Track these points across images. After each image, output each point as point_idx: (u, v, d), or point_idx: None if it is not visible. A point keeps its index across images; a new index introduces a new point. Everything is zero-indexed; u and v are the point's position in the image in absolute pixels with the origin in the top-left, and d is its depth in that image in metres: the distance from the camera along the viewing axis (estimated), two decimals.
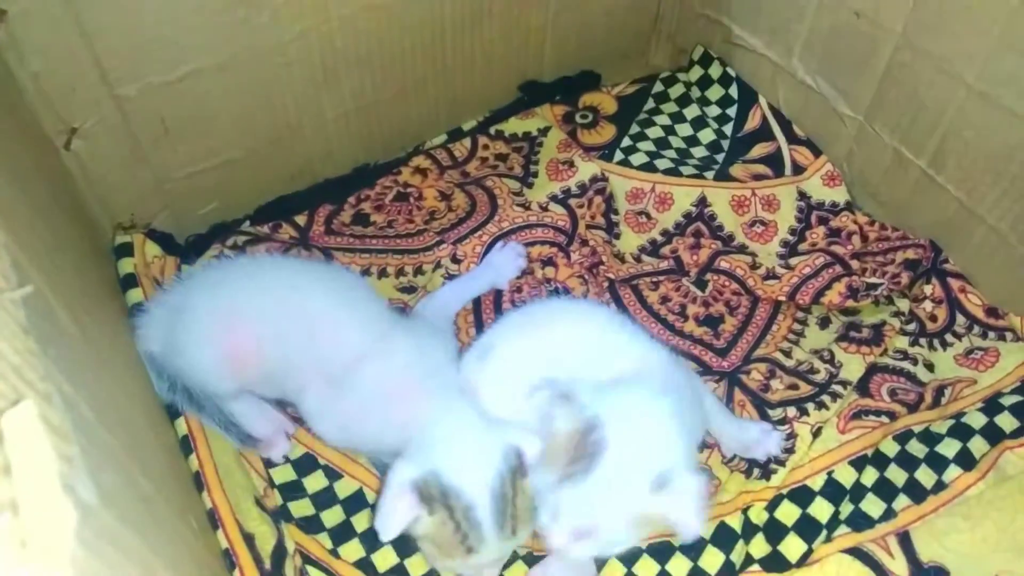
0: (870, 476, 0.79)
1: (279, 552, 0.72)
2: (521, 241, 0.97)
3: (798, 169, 1.06)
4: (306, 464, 0.82)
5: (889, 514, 0.77)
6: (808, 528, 0.75)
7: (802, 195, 1.04)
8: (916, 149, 0.94)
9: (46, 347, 0.39)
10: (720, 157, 1.09)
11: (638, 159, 1.07)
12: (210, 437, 0.76)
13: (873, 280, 0.95)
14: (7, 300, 0.35)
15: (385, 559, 0.77)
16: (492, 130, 1.10)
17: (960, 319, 0.93)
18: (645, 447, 0.61)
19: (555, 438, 0.62)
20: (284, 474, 0.82)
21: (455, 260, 0.95)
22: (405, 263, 0.96)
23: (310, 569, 0.75)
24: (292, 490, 0.81)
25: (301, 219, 0.99)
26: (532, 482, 0.66)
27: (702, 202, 1.03)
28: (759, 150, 1.08)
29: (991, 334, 0.91)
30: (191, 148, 0.88)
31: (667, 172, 1.05)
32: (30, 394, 0.33)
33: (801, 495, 0.77)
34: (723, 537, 0.75)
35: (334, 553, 0.77)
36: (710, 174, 1.05)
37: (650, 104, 1.15)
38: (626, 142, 1.09)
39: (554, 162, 1.06)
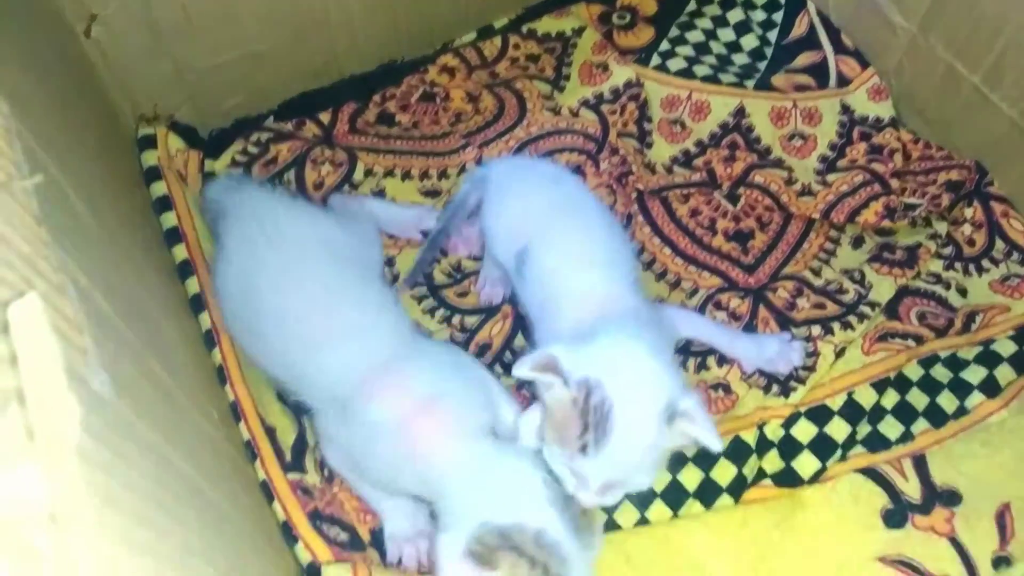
0: (891, 399, 0.78)
1: (299, 445, 0.74)
2: (549, 148, 0.95)
3: (843, 81, 1.01)
4: None
5: (906, 437, 0.76)
6: (823, 447, 0.75)
7: (845, 109, 0.99)
8: (971, 64, 0.89)
9: (60, 238, 0.39)
10: (762, 65, 1.04)
11: (676, 64, 1.02)
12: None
13: (912, 200, 0.92)
14: (18, 189, 0.35)
15: None
16: (524, 29, 1.06)
17: (999, 244, 0.90)
18: (644, 390, 0.60)
19: (555, 411, 0.61)
20: None
21: (479, 164, 0.93)
22: (430, 166, 0.94)
23: None
24: None
25: (325, 117, 0.97)
26: (547, 460, 0.63)
27: (740, 112, 0.99)
28: (804, 59, 1.03)
29: None
30: (214, 38, 0.86)
31: (705, 79, 1.01)
32: (40, 285, 0.33)
33: (819, 414, 0.77)
34: (737, 451, 0.75)
35: None
36: (751, 83, 1.01)
37: (692, 6, 1.09)
38: (664, 46, 1.04)
39: (587, 65, 1.02)
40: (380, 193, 0.92)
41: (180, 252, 0.79)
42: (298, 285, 0.71)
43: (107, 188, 0.65)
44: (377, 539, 0.72)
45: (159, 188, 0.82)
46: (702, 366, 0.81)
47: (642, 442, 0.60)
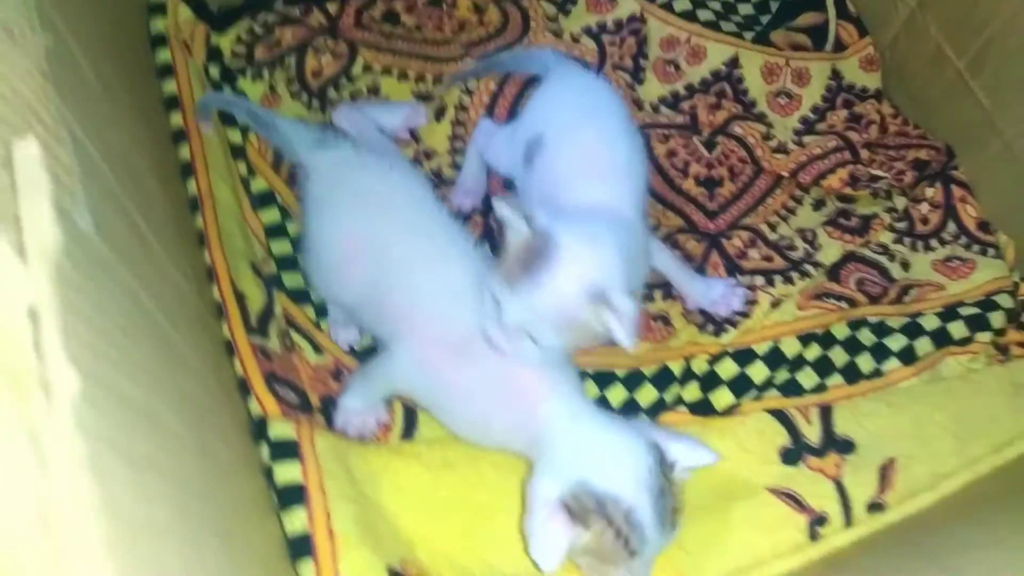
0: (813, 352, 0.85)
1: (266, 314, 0.80)
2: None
3: (840, 46, 1.04)
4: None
5: (820, 388, 0.83)
6: (741, 385, 0.82)
7: (835, 74, 1.02)
8: (959, 48, 0.92)
9: (63, 92, 0.44)
10: (765, 19, 1.06)
11: (681, 5, 1.05)
12: (217, 201, 0.82)
13: (877, 172, 0.96)
14: (29, 45, 0.40)
15: (365, 338, 0.85)
16: None
17: (951, 226, 0.95)
18: (588, 262, 0.64)
19: (511, 246, 0.66)
20: (282, 247, 0.89)
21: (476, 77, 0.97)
22: (427, 70, 0.97)
23: (293, 334, 0.83)
24: (288, 264, 0.88)
25: (333, 7, 0.99)
26: (489, 288, 0.67)
27: (734, 63, 1.02)
28: (806, 18, 1.06)
29: (975, 247, 0.93)
30: None
31: (707, 24, 1.03)
32: (40, 131, 0.38)
33: (744, 356, 0.84)
34: (662, 378, 0.82)
35: (316, 324, 0.85)
36: (749, 35, 1.03)
37: None
38: None
39: None
40: (375, 90, 0.95)
41: (176, 119, 0.84)
42: (407, 240, 0.74)
43: (113, 49, 0.69)
44: (325, 406, 0.80)
45: (164, 55, 0.86)
46: (648, 297, 0.87)
47: (563, 301, 0.64)
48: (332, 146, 0.81)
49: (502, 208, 0.65)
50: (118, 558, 0.28)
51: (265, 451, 0.69)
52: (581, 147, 0.78)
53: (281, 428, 0.70)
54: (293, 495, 0.67)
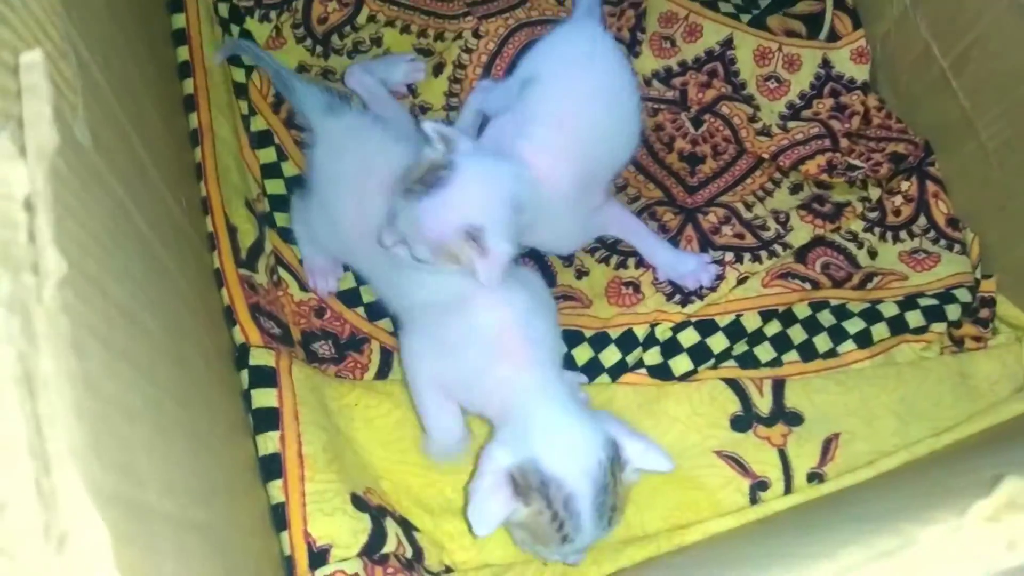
0: (773, 328, 0.88)
1: (256, 248, 0.84)
2: (543, 35, 1.00)
3: (833, 36, 1.06)
4: (297, 185, 0.92)
5: (776, 363, 0.87)
6: (701, 354, 0.86)
7: (825, 63, 1.05)
8: (944, 48, 0.94)
9: (71, 13, 0.47)
10: (764, 3, 1.08)
11: None
12: (217, 137, 0.85)
13: (855, 162, 0.99)
14: None
15: (345, 280, 0.89)
16: None
17: (921, 220, 0.98)
18: (474, 199, 0.69)
19: (420, 160, 0.71)
20: (277, 187, 0.92)
21: (476, 35, 0.99)
22: (429, 25, 1.00)
23: (280, 270, 0.87)
24: (280, 203, 0.91)
25: None
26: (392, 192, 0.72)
27: (728, 43, 1.05)
28: (804, 6, 1.08)
29: (942, 241, 0.97)
30: None
31: (705, 3, 1.06)
32: (48, 46, 0.41)
33: (705, 326, 0.87)
34: (627, 341, 0.86)
35: (302, 262, 0.89)
36: (746, 17, 1.06)
37: None
38: None
39: None
40: (377, 41, 0.98)
41: (183, 53, 0.87)
42: None
43: None
44: (306, 341, 0.84)
45: None
46: (622, 264, 0.91)
47: (439, 227, 0.68)
48: (341, 113, 0.85)
49: (427, 127, 0.70)
50: (89, 427, 0.32)
51: (245, 377, 0.73)
52: (566, 96, 0.81)
53: (261, 356, 0.74)
54: (268, 419, 0.71)
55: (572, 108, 0.81)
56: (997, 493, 0.32)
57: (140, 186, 0.56)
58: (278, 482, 0.68)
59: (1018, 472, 0.33)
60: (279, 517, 0.66)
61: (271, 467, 0.69)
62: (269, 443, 0.70)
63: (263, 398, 0.72)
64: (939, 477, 0.68)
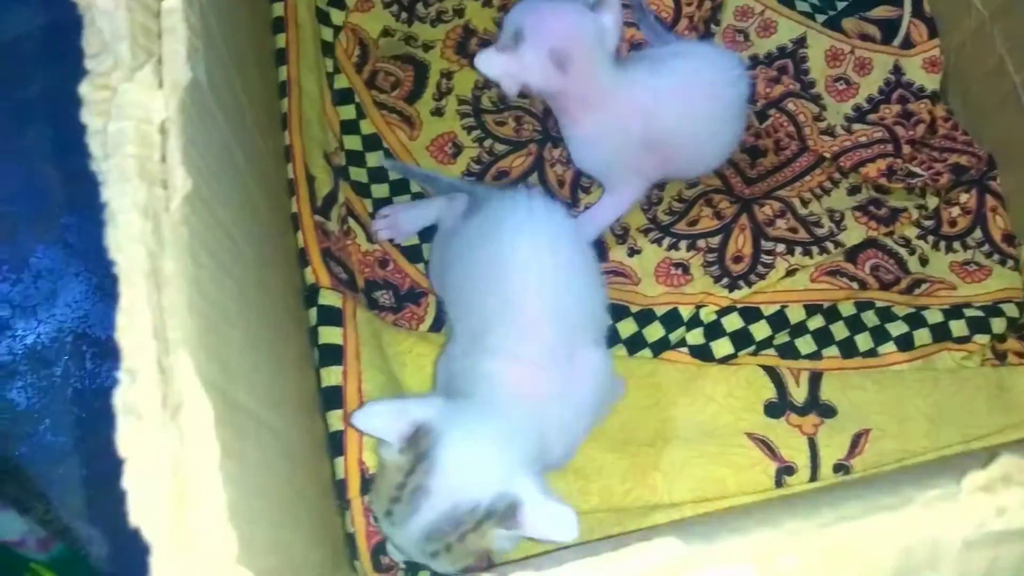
0: (816, 322, 0.91)
1: (330, 198, 0.89)
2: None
3: (908, 43, 1.07)
4: (372, 142, 0.98)
5: (815, 356, 0.90)
6: (742, 339, 0.89)
7: (897, 69, 1.05)
8: (1018, 63, 0.94)
9: None
10: (841, 5, 1.09)
11: None
12: (303, 91, 0.91)
13: (915, 169, 1.00)
14: None
15: (409, 237, 0.94)
16: None
17: (977, 233, 0.99)
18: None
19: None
20: (354, 143, 0.97)
21: None
22: (509, 1, 1.04)
23: (351, 221, 0.93)
24: (355, 158, 0.97)
25: None
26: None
27: (801, 42, 1.06)
28: (882, 11, 1.08)
29: (995, 256, 0.97)
30: None
31: (782, 0, 1.07)
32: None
33: (750, 313, 0.90)
34: (671, 319, 0.89)
35: (372, 216, 0.94)
36: (822, 17, 1.07)
37: None
38: None
39: None
40: (460, 11, 1.04)
41: (278, 8, 0.92)
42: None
43: None
44: (369, 289, 0.90)
45: None
46: (673, 247, 0.94)
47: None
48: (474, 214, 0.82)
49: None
50: (198, 322, 0.37)
51: (313, 315, 0.79)
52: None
53: (329, 297, 0.80)
54: (332, 355, 0.77)
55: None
56: (992, 466, 0.36)
57: (240, 127, 0.62)
58: (338, 412, 0.74)
59: (1013, 450, 0.36)
60: (336, 443, 0.72)
61: (333, 398, 0.75)
62: (332, 376, 0.76)
63: (329, 335, 0.78)
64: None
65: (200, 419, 0.34)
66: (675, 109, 0.89)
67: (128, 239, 0.35)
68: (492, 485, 0.61)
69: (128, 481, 0.32)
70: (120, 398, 0.33)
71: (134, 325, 0.34)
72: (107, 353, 0.98)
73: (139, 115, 0.37)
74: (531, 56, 0.82)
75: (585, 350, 0.73)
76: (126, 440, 0.32)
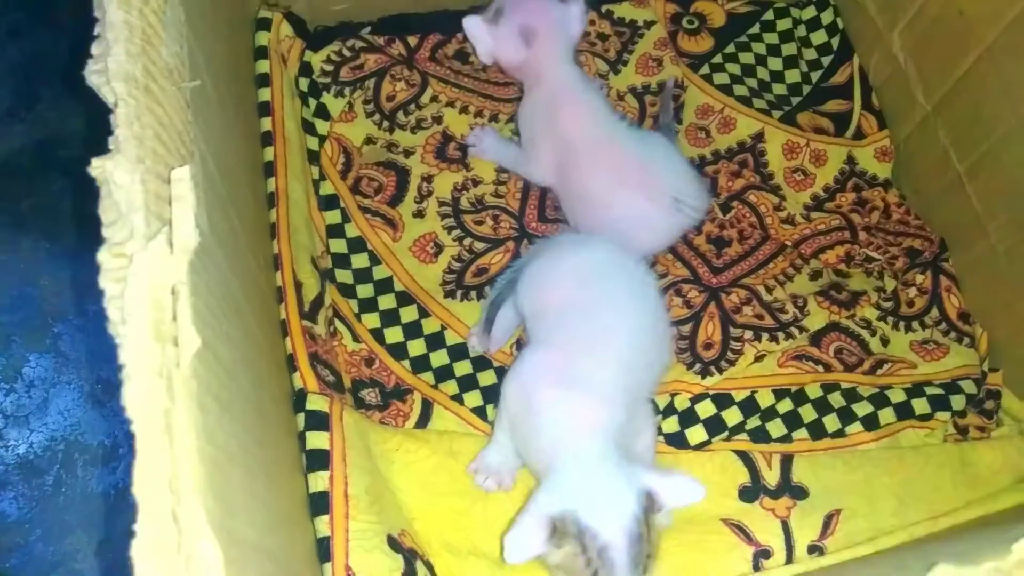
0: (785, 406, 0.95)
1: (317, 302, 0.93)
2: None
3: (859, 135, 1.14)
4: (356, 245, 1.02)
5: (786, 439, 0.94)
6: (715, 426, 0.93)
7: (850, 159, 1.13)
8: (960, 154, 1.02)
9: (197, 117, 0.57)
10: (796, 100, 1.17)
11: (720, 79, 1.16)
12: (290, 200, 0.96)
13: (872, 254, 1.06)
14: (185, 88, 0.53)
15: (394, 335, 0.98)
16: (603, 8, 1.19)
17: (934, 312, 1.05)
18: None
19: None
20: (339, 246, 1.02)
21: None
22: (485, 107, 1.10)
23: (337, 323, 0.97)
24: (341, 261, 1.01)
25: (413, 40, 1.13)
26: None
27: (759, 137, 1.13)
28: (833, 105, 1.16)
29: (952, 334, 1.03)
30: None
31: (740, 99, 1.15)
32: (183, 152, 0.51)
33: (722, 400, 0.95)
34: None
35: (358, 317, 0.98)
36: (778, 114, 1.14)
37: (755, 28, 1.21)
38: (717, 59, 1.18)
39: (645, 57, 1.16)
40: (438, 119, 1.09)
41: (266, 123, 0.98)
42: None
43: (226, 63, 0.83)
44: (355, 388, 0.93)
45: (263, 66, 1.00)
46: None
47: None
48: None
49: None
50: (206, 469, 0.41)
51: (301, 420, 0.82)
52: None
53: (317, 402, 0.83)
54: (319, 459, 0.80)
55: None
56: None
57: (234, 254, 0.66)
58: (325, 517, 0.77)
59: (949, 560, 0.40)
60: (324, 549, 0.75)
61: (320, 503, 0.77)
62: (319, 481, 0.78)
63: (316, 440, 0.81)
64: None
65: (211, 563, 0.37)
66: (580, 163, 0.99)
67: (143, 399, 0.39)
68: (630, 498, 0.71)
69: None
70: (137, 550, 0.36)
71: (150, 479, 0.37)
72: (98, 460, 1.01)
73: (153, 282, 0.41)
74: (505, 30, 1.00)
75: (645, 405, 0.86)
76: None
